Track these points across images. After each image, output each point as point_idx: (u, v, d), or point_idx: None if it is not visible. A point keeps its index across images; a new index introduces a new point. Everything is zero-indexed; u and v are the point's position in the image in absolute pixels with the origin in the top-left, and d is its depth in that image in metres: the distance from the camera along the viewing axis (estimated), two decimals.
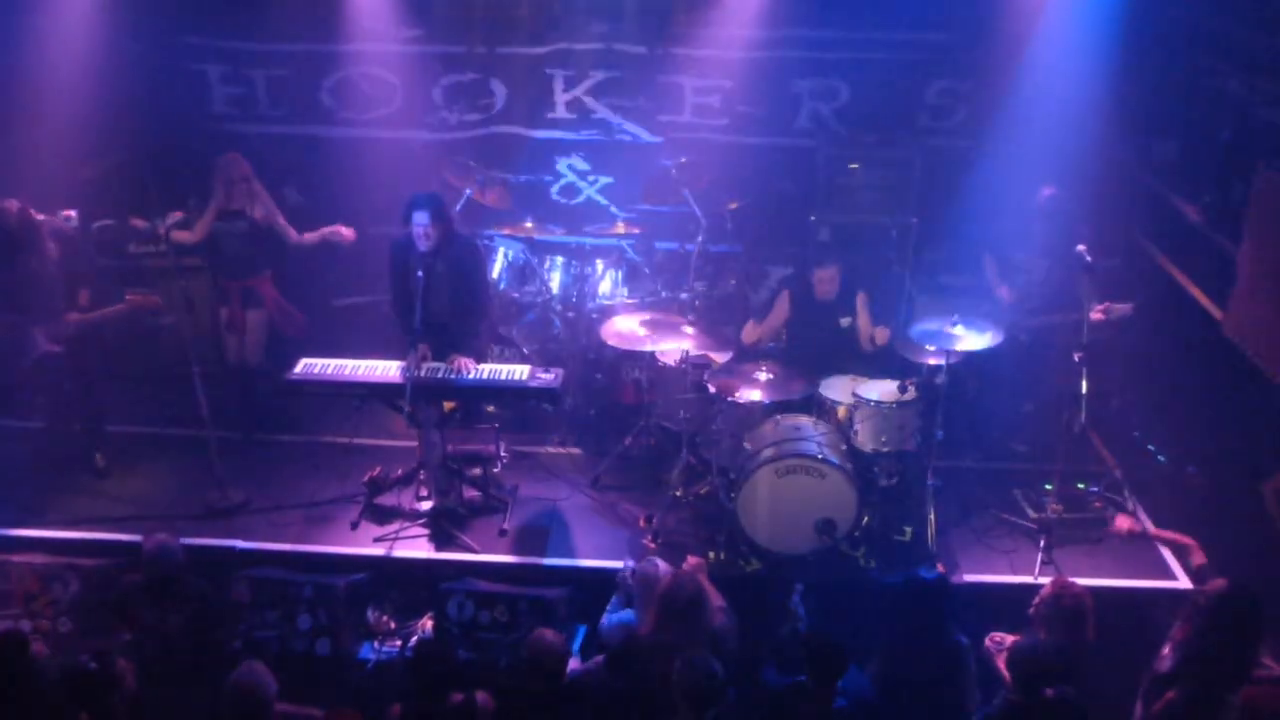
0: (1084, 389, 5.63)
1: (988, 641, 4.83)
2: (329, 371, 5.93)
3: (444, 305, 5.97)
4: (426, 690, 4.33)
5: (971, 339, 5.91)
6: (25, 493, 6.27)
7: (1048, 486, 6.24)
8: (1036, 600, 4.73)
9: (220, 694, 4.14)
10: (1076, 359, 5.66)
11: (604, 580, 5.44)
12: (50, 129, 6.93)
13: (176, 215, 6.41)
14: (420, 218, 5.81)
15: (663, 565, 4.96)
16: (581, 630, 5.43)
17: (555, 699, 4.39)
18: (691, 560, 5.31)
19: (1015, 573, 5.76)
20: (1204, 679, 4.21)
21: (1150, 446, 6.70)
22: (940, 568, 5.70)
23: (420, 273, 5.77)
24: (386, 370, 5.88)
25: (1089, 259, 5.76)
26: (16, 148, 6.65)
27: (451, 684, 4.38)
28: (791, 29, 7.63)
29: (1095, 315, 6.00)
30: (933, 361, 6.00)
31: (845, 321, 6.58)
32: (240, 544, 5.91)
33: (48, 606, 5.55)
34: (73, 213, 6.37)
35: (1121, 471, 6.49)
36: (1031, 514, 6.19)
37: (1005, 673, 4.43)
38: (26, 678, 4.30)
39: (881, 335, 6.50)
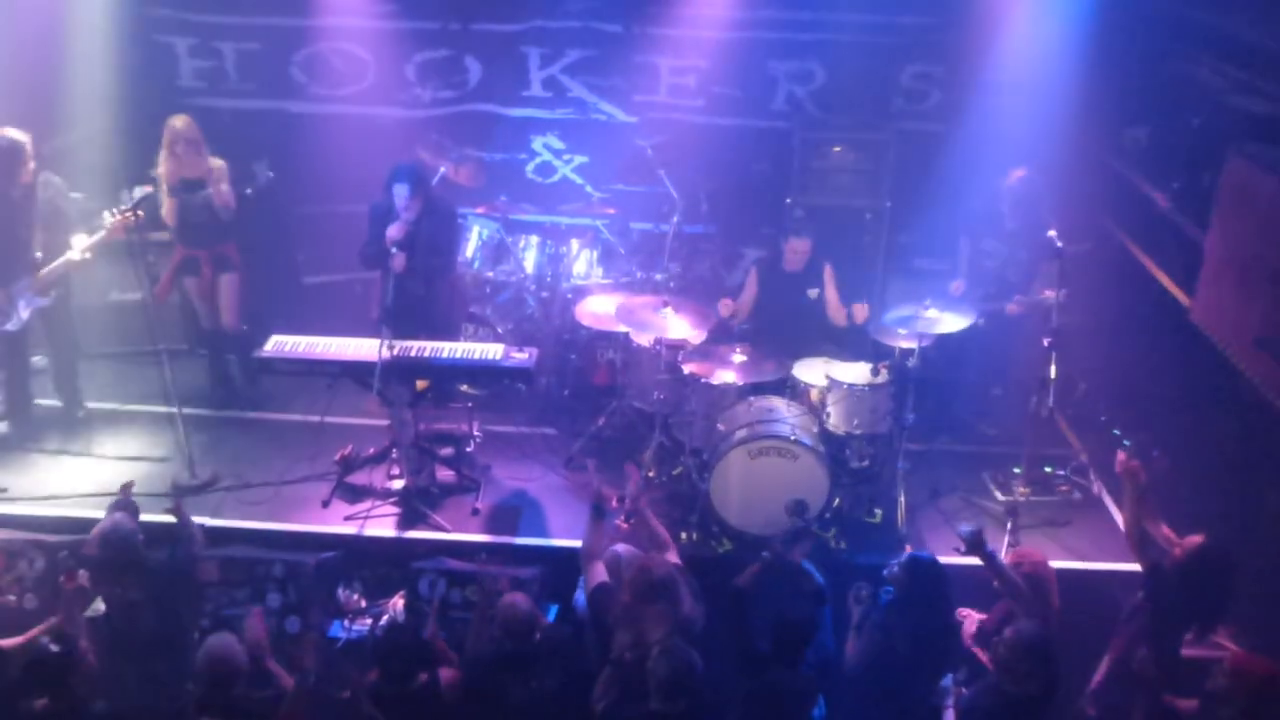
0: (1052, 373, 5.69)
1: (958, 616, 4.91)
2: (300, 349, 5.88)
3: (416, 278, 5.96)
4: (394, 673, 4.35)
5: (944, 321, 5.95)
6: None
7: (1015, 470, 6.32)
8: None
9: (189, 666, 4.13)
10: (1045, 344, 5.72)
11: (575, 560, 5.43)
12: (15, 102, 6.78)
13: (146, 189, 6.33)
14: (400, 190, 5.84)
15: (622, 548, 5.00)
16: (553, 609, 5.44)
17: (525, 662, 4.42)
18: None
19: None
20: (1170, 634, 4.32)
21: (1116, 431, 6.78)
22: (909, 549, 5.77)
23: (394, 250, 5.76)
24: (358, 348, 5.85)
25: (1059, 244, 5.81)
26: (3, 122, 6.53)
27: (418, 667, 4.41)
28: (767, 10, 7.62)
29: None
30: (905, 345, 6.04)
31: (813, 293, 6.62)
32: (210, 521, 5.85)
33: (14, 583, 5.50)
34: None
35: (1088, 455, 6.57)
36: (999, 496, 6.26)
37: (979, 654, 4.48)
38: None
39: (860, 312, 6.52)
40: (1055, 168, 6.80)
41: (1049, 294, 6.08)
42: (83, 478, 6.17)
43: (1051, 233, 5.88)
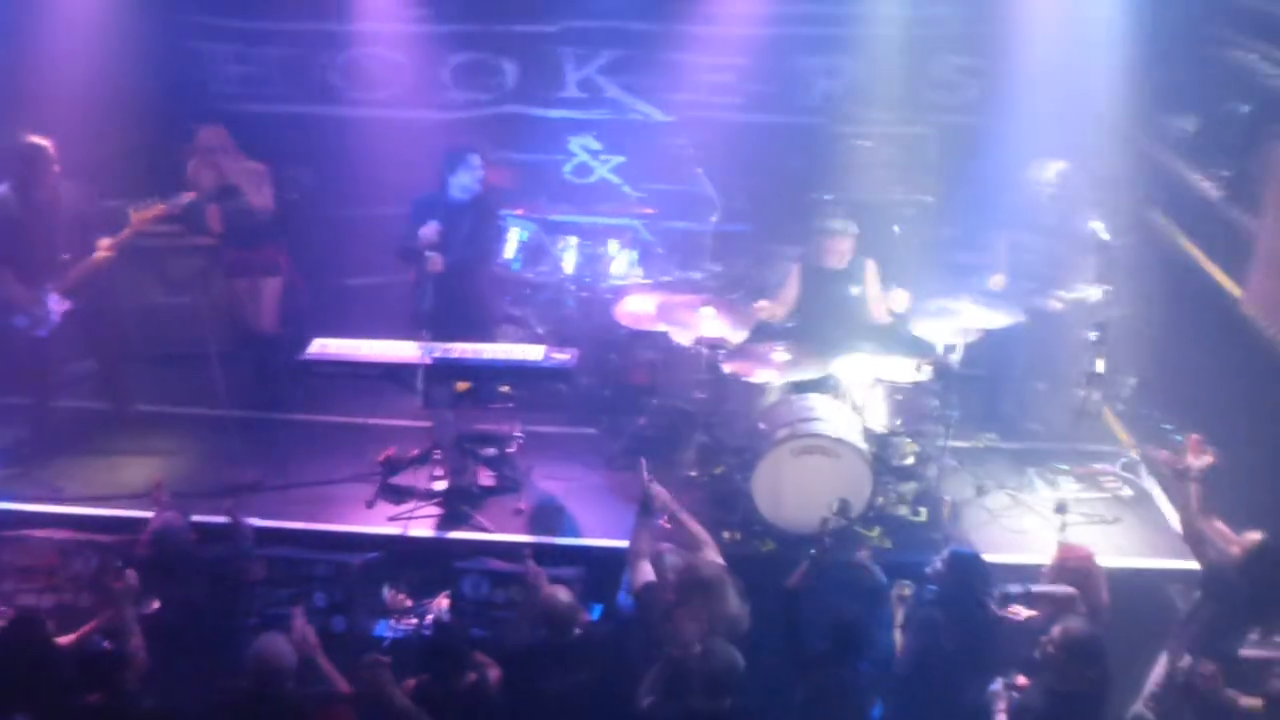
0: (1099, 368, 5.61)
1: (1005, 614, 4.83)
2: (343, 351, 5.93)
3: (454, 275, 5.99)
4: (443, 673, 4.37)
5: (988, 317, 5.88)
6: (44, 469, 6.30)
7: (1063, 466, 6.23)
8: (1045, 568, 4.75)
9: (237, 665, 4.18)
10: (1093, 338, 5.64)
11: (617, 559, 5.42)
12: (61, 110, 6.90)
13: (190, 195, 6.40)
14: (475, 160, 5.98)
15: (667, 548, 4.98)
16: (596, 609, 5.44)
17: (564, 654, 4.43)
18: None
19: (1030, 552, 5.73)
20: (1232, 634, 4.24)
21: (1166, 426, 6.66)
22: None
23: (429, 252, 5.79)
24: (400, 351, 5.87)
25: (1104, 237, 5.72)
26: (29, 128, 6.62)
27: (467, 666, 4.42)
28: (802, 4, 7.59)
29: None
30: (948, 341, 5.97)
31: (855, 290, 6.55)
32: (256, 521, 5.89)
33: (69, 581, 5.60)
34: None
35: (1137, 451, 6.46)
36: (1047, 494, 6.16)
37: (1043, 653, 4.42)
38: (42, 658, 4.33)
39: (900, 300, 6.42)
40: (1098, 159, 6.71)
41: (1090, 290, 5.98)
42: (133, 478, 6.25)
43: (1096, 224, 5.79)
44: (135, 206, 6.16)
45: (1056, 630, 4.18)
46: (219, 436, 6.32)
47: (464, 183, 5.98)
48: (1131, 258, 6.65)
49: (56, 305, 6.23)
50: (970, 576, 4.63)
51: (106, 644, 4.33)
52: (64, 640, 4.63)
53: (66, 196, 6.24)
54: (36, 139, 6.12)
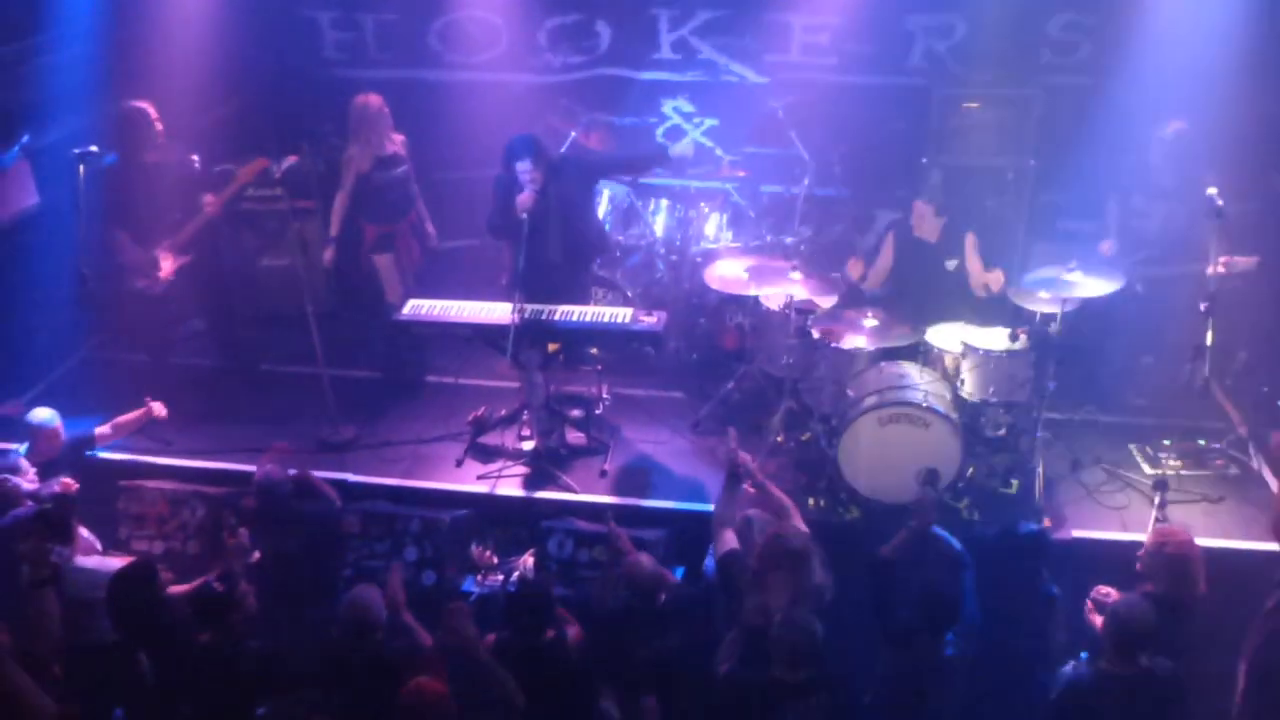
0: (1209, 341, 5.37)
1: (1093, 594, 4.71)
2: (435, 312, 6.05)
3: (555, 243, 6.00)
4: (524, 628, 4.47)
5: (1089, 285, 5.67)
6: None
7: (1166, 442, 6.01)
8: (1141, 551, 4.61)
9: (333, 614, 4.34)
10: (1202, 309, 5.40)
11: (702, 523, 5.46)
12: (172, 77, 7.13)
13: (291, 159, 6.56)
14: (524, 166, 5.84)
15: (755, 513, 4.98)
16: (679, 572, 5.48)
17: (650, 620, 4.48)
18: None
19: (1127, 530, 5.56)
20: None
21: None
22: (1047, 522, 5.57)
23: (524, 215, 5.83)
24: (491, 312, 5.97)
25: (1220, 203, 5.45)
26: (141, 95, 6.86)
27: (548, 622, 4.52)
28: None
29: (1214, 269, 5.73)
30: (1047, 310, 5.80)
31: (952, 264, 6.38)
32: (352, 477, 6.11)
33: (177, 530, 5.90)
34: (195, 157, 6.59)
35: (1247, 429, 6.17)
36: (1147, 470, 5.96)
37: (1099, 632, 4.30)
38: (156, 602, 4.57)
39: (995, 280, 6.27)
40: (1218, 120, 6.36)
41: (1243, 260, 5.74)
42: (240, 434, 6.46)
43: (1212, 190, 5.52)
44: (240, 163, 6.33)
45: (1108, 607, 4.06)
46: (321, 395, 6.50)
47: (522, 179, 5.90)
48: (1250, 226, 6.32)
49: (169, 264, 6.43)
50: (1022, 554, 4.54)
51: (218, 586, 4.54)
52: (177, 590, 4.87)
53: (171, 157, 6.42)
54: (138, 103, 6.28)
